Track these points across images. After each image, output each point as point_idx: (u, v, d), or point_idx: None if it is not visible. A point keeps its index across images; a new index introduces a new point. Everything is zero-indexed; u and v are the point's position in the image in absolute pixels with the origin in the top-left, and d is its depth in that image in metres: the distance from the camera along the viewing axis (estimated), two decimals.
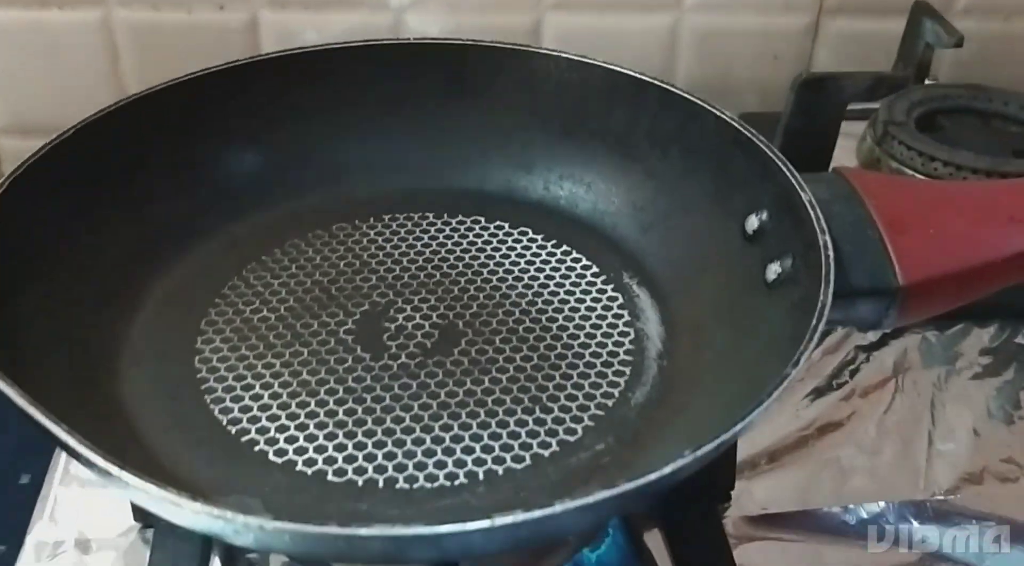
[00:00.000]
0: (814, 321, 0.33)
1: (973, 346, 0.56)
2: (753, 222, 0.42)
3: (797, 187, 0.39)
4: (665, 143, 0.46)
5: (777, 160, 0.41)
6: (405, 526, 0.26)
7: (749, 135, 0.42)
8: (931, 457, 0.49)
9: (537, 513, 0.27)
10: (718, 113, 0.44)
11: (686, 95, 0.45)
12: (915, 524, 0.46)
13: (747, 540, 0.45)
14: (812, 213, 0.38)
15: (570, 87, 0.48)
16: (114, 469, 0.28)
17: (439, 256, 0.46)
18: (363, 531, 0.26)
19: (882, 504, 0.46)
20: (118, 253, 0.42)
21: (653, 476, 0.28)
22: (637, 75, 0.46)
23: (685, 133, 0.45)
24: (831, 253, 0.36)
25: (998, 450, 0.50)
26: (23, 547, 0.43)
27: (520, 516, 0.27)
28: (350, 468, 0.36)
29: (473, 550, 0.29)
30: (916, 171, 0.62)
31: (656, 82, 0.46)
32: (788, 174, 0.40)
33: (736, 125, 0.43)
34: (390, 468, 0.36)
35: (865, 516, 0.46)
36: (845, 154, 0.67)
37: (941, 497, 0.47)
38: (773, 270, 0.39)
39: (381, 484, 0.35)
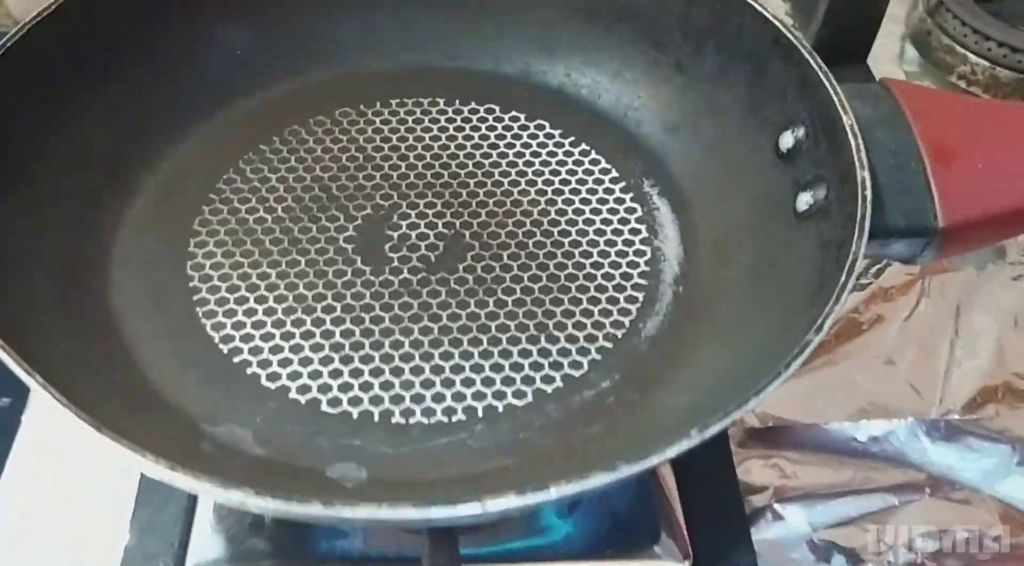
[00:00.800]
0: (843, 277, 0.31)
1: (1010, 246, 0.53)
2: (788, 139, 0.38)
3: (838, 106, 0.36)
4: (699, 36, 0.42)
5: (819, 71, 0.37)
6: (391, 507, 0.25)
7: (791, 38, 0.38)
8: (950, 370, 0.48)
9: (530, 497, 0.26)
10: (758, 6, 0.40)
11: None
12: (927, 443, 0.45)
13: (752, 457, 0.44)
14: (852, 141, 0.34)
15: None
16: (92, 430, 0.26)
17: (448, 152, 0.43)
18: (347, 512, 0.25)
19: (893, 421, 0.45)
20: (103, 147, 0.39)
21: (655, 459, 0.27)
22: None
23: (721, 27, 0.41)
24: (868, 193, 0.33)
25: (1021, 365, 0.48)
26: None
27: (513, 500, 0.25)
28: (345, 398, 0.34)
29: (463, 523, 0.28)
30: (968, 50, 0.58)
31: None
32: (830, 89, 0.36)
33: (777, 24, 0.39)
34: (386, 400, 0.34)
35: (875, 434, 0.45)
36: (893, 22, 0.62)
37: (956, 416, 0.46)
38: (804, 200, 0.36)
39: (376, 417, 0.34)
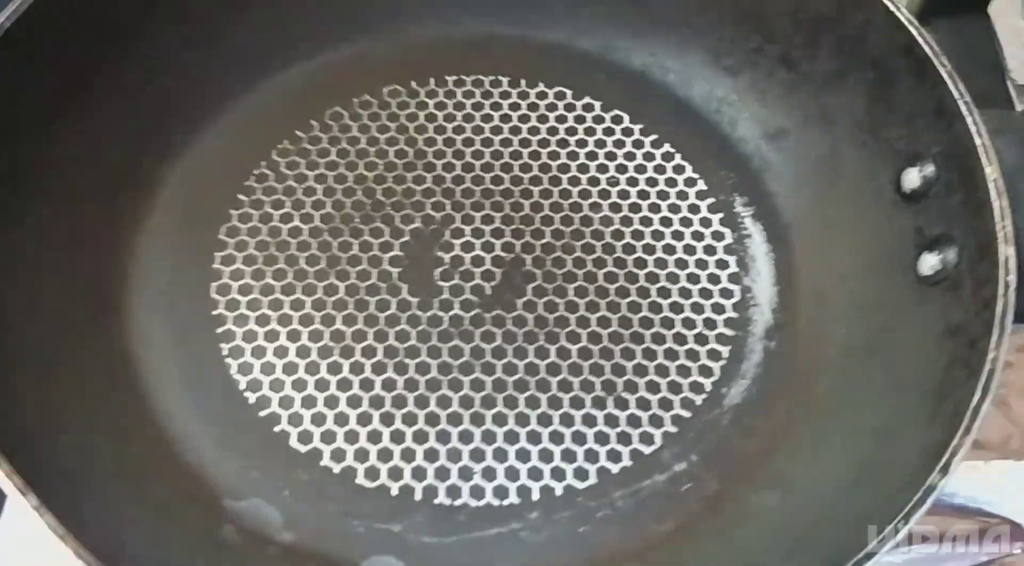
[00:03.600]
0: (977, 396, 0.26)
1: None
2: (913, 177, 0.32)
3: (980, 150, 0.29)
4: (814, 27, 0.35)
5: (960, 99, 0.30)
6: None
7: (927, 50, 0.31)
8: None
9: None
10: (890, 4, 0.33)
11: None
12: None
13: None
14: (996, 203, 0.29)
15: None
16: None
17: (510, 149, 0.37)
18: None
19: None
20: (120, 138, 0.34)
21: None
22: None
23: (842, 20, 0.34)
24: (1013, 279, 0.27)
25: None
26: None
27: None
28: (383, 469, 0.31)
29: None
30: None
31: None
32: (971, 125, 0.30)
33: (913, 31, 0.32)
34: (430, 473, 0.31)
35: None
36: None
37: None
38: (929, 262, 0.31)
39: (418, 495, 0.30)
